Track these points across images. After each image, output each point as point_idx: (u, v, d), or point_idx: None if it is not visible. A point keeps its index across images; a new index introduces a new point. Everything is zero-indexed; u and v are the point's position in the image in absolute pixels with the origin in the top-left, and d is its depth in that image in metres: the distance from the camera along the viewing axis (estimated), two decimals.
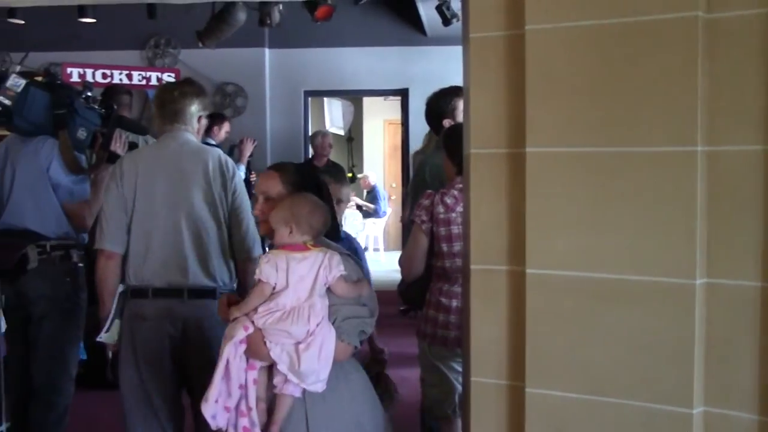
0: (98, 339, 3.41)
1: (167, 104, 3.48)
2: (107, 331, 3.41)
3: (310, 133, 11.50)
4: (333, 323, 2.67)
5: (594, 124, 2.21)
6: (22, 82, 3.56)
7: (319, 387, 2.65)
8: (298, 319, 2.60)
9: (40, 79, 3.74)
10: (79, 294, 3.85)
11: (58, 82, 3.89)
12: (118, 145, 3.91)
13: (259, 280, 2.66)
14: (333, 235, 2.99)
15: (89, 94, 3.85)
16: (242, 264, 3.46)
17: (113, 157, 3.87)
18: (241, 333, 2.63)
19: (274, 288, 2.65)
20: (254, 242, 3.44)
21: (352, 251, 3.04)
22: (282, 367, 2.61)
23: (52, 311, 3.71)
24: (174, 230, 3.31)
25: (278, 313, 2.62)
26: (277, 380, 2.68)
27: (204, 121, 3.63)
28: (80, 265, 3.85)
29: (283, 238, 2.73)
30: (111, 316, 3.39)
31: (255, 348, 2.63)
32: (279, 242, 2.75)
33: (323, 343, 2.61)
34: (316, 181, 2.98)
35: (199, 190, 3.31)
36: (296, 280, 2.63)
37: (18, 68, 3.73)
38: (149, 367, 3.36)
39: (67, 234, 3.73)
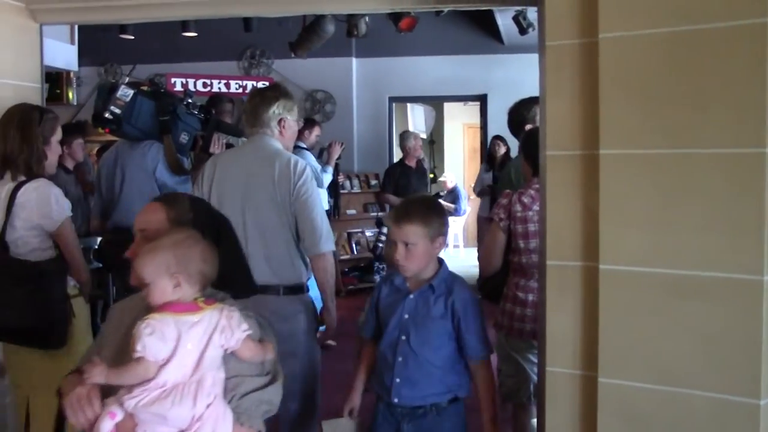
0: None
1: (250, 109, 3.52)
2: None
3: (394, 137, 11.56)
4: (229, 402, 1.99)
5: (665, 127, 2.19)
6: (131, 92, 3.68)
7: None
8: (181, 399, 1.90)
9: (145, 88, 3.86)
10: None
11: (162, 90, 3.97)
12: (216, 147, 3.99)
13: (141, 358, 1.89)
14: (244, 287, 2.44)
15: (190, 100, 3.93)
16: (312, 262, 3.39)
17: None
18: (107, 424, 1.90)
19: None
20: (319, 239, 3.32)
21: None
22: None
23: None
24: (240, 230, 3.33)
25: (156, 391, 1.91)
26: None
27: (291, 124, 3.56)
28: None
29: (165, 294, 1.99)
30: None
31: None
32: (160, 300, 1.99)
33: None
34: (217, 220, 2.38)
35: (265, 193, 3.31)
36: (184, 350, 1.92)
37: (126, 79, 3.84)
38: None
39: None
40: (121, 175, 3.84)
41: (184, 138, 3.81)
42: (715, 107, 2.11)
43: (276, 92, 3.56)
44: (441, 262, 2.87)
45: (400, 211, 2.84)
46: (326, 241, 3.33)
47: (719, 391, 2.15)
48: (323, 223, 3.33)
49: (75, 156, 6.42)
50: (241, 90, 10.61)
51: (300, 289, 3.37)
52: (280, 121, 3.48)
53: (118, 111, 3.63)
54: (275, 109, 3.47)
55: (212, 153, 3.96)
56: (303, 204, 3.29)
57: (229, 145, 4.16)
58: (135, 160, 3.80)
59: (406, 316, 2.80)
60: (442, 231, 2.84)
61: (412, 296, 2.81)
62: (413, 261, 2.76)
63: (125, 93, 3.64)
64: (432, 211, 2.84)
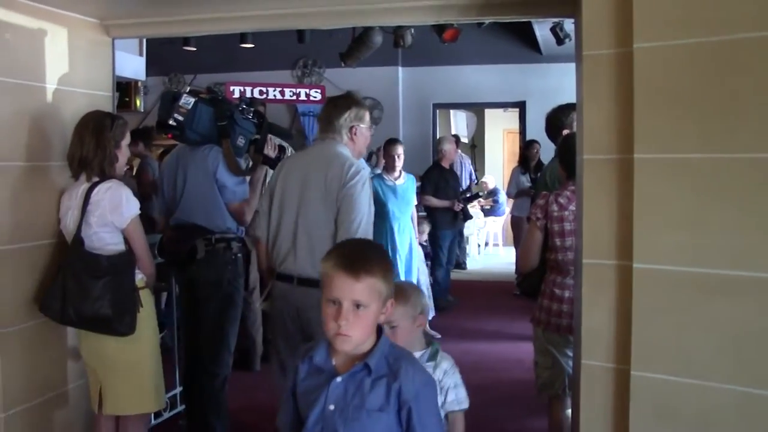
0: (260, 306, 3.53)
1: (324, 116, 3.54)
2: (265, 300, 3.58)
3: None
4: None
5: (697, 132, 2.17)
6: (192, 100, 3.73)
7: None
8: None
9: (204, 96, 3.91)
10: (238, 280, 3.97)
11: (219, 97, 4.01)
12: (269, 149, 4.02)
13: None
14: None
15: (244, 106, 3.97)
16: None
17: (266, 160, 4.02)
18: None
19: None
20: (352, 234, 3.22)
21: None
22: None
23: (215, 295, 3.82)
24: (292, 226, 3.37)
25: None
26: None
27: (362, 131, 3.52)
28: (239, 255, 3.97)
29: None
30: (267, 289, 3.54)
31: None
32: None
33: None
34: None
35: (317, 193, 3.33)
36: None
37: (188, 88, 3.88)
38: (280, 340, 3.48)
39: (229, 228, 3.87)
40: (183, 177, 3.88)
41: (240, 141, 3.85)
42: (746, 113, 2.09)
43: (349, 101, 3.56)
44: (379, 331, 2.03)
45: (354, 255, 2.00)
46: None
47: (748, 385, 2.12)
48: (361, 222, 3.26)
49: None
50: (294, 97, 10.71)
51: None
52: (351, 128, 3.48)
53: (180, 118, 3.68)
54: (347, 117, 3.47)
55: (266, 154, 3.99)
56: (347, 201, 3.27)
57: (280, 147, 4.18)
58: (196, 162, 3.84)
59: (331, 407, 1.98)
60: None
61: (339, 379, 1.98)
62: (359, 328, 1.93)
63: (187, 101, 3.69)
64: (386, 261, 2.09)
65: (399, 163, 6.35)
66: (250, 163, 4.22)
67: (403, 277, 5.95)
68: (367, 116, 3.56)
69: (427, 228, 7.72)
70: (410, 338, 2.55)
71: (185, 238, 3.81)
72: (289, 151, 4.94)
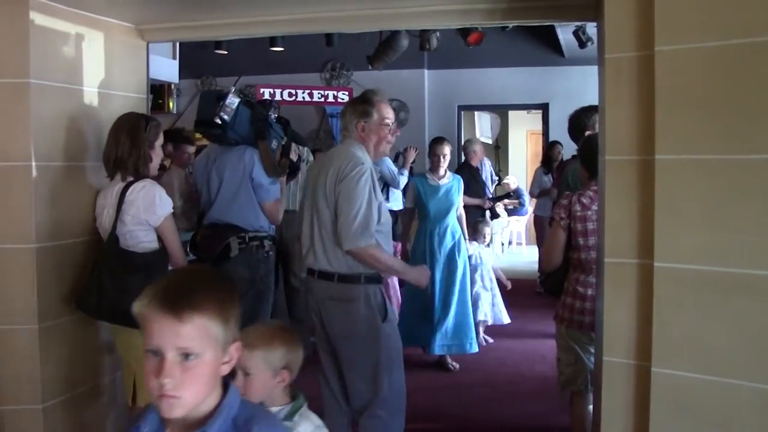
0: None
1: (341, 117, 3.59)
2: None
3: (462, 142, 11.54)
4: None
5: (717, 134, 2.16)
6: (237, 100, 3.74)
7: None
8: None
9: (246, 98, 3.94)
10: (270, 276, 4.00)
11: (250, 100, 4.02)
12: (294, 154, 4.04)
13: None
14: None
15: (274, 110, 3.98)
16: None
17: (291, 164, 4.04)
18: None
19: None
20: (345, 237, 3.22)
21: None
22: None
23: (248, 291, 3.85)
24: (310, 223, 3.41)
25: None
26: None
27: (371, 127, 3.43)
28: (270, 253, 4.00)
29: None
30: None
31: None
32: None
33: None
34: None
35: (323, 190, 3.34)
36: None
37: (233, 89, 3.89)
38: (316, 332, 3.55)
39: (262, 227, 3.91)
40: (217, 177, 3.91)
41: (274, 144, 3.88)
42: (766, 115, 2.07)
43: (356, 99, 3.57)
44: (226, 385, 1.53)
45: (175, 289, 1.49)
46: (353, 238, 3.21)
47: (766, 382, 2.10)
48: (354, 221, 3.21)
49: (180, 160, 6.60)
50: (322, 99, 10.76)
51: (353, 278, 3.32)
52: (357, 125, 3.45)
53: (226, 117, 3.68)
54: (352, 115, 3.47)
55: (291, 159, 4.01)
56: (342, 194, 3.26)
57: (299, 155, 4.21)
58: (232, 163, 3.86)
59: None
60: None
61: None
62: (191, 386, 1.43)
63: (233, 101, 3.70)
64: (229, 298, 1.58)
65: (444, 163, 6.00)
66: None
67: (439, 286, 5.65)
68: (374, 112, 3.45)
69: (488, 231, 6.73)
70: (267, 391, 2.08)
71: (219, 236, 3.85)
72: (306, 153, 4.96)
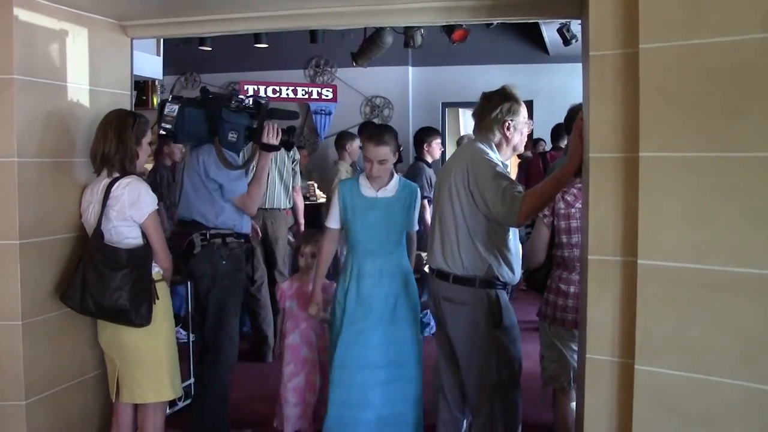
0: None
1: (476, 111, 3.49)
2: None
3: (447, 139, 11.54)
4: None
5: (701, 132, 2.16)
6: (176, 107, 3.72)
7: None
8: None
9: (194, 98, 3.87)
10: (236, 274, 3.97)
11: (210, 96, 3.94)
12: (271, 137, 3.96)
13: None
14: None
15: (240, 98, 3.90)
16: None
17: (270, 147, 3.93)
18: None
19: None
20: (507, 216, 3.13)
21: None
22: None
23: (213, 287, 3.85)
24: (434, 221, 3.45)
25: None
26: None
27: (516, 126, 3.36)
28: (235, 250, 3.95)
29: None
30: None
31: None
32: None
33: None
34: None
35: (448, 189, 3.31)
36: None
37: (170, 97, 3.85)
38: (436, 331, 3.64)
39: (224, 223, 3.89)
40: (182, 176, 3.95)
41: (232, 136, 3.80)
42: (750, 113, 2.08)
43: (503, 96, 3.43)
44: None
45: None
46: (512, 213, 3.09)
47: (751, 381, 2.11)
48: (504, 198, 3.11)
49: (173, 156, 6.68)
50: (306, 96, 10.73)
51: (468, 281, 3.26)
52: (502, 123, 3.36)
53: (168, 126, 3.69)
54: (494, 113, 3.37)
55: (266, 143, 3.92)
56: (484, 194, 3.20)
57: (290, 128, 4.05)
58: (192, 164, 3.88)
59: None
60: None
61: None
62: None
63: (171, 109, 3.69)
64: None
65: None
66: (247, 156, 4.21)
67: None
68: (521, 110, 3.41)
69: None
70: None
71: (184, 233, 3.86)
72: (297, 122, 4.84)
